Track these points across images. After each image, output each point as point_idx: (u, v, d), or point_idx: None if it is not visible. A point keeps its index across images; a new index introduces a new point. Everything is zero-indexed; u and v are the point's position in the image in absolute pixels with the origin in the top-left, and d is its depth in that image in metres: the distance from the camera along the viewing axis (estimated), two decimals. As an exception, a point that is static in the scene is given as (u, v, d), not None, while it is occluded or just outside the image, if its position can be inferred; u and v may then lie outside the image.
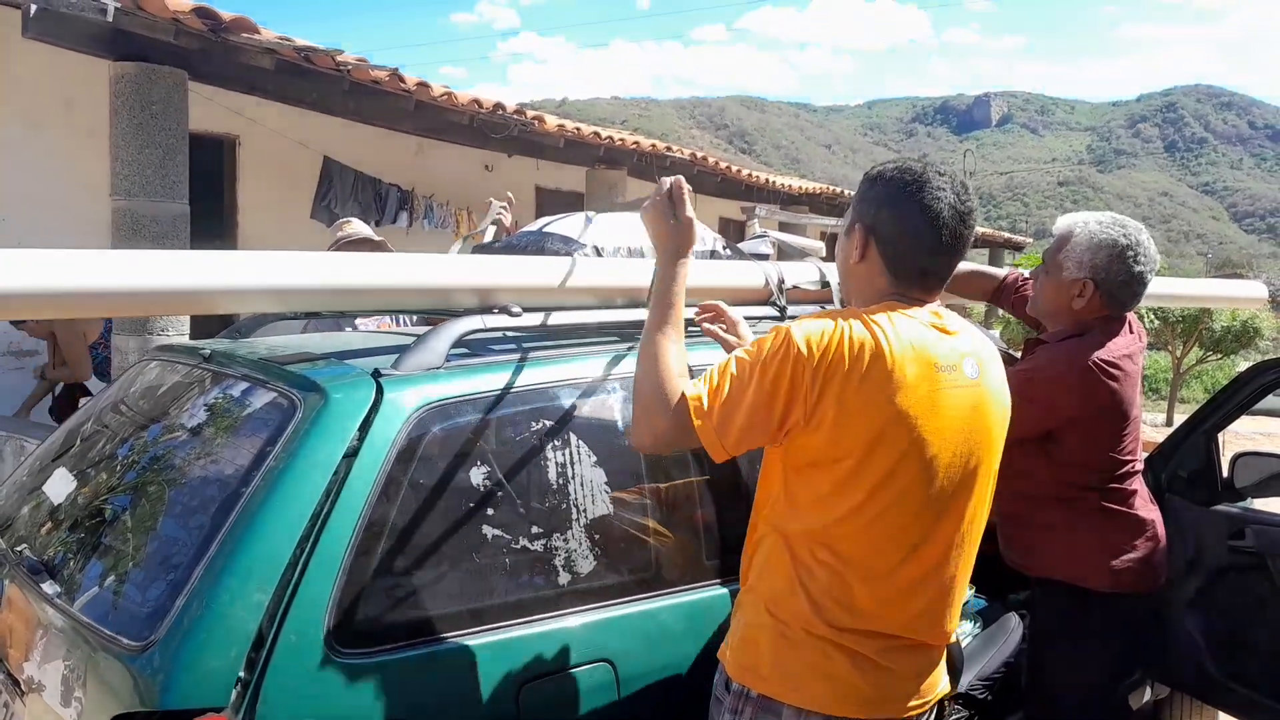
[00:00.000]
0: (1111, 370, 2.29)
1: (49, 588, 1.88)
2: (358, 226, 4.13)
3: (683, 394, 1.62)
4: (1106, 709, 2.47)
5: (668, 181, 1.79)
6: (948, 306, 1.79)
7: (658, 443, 1.67)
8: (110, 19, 4.41)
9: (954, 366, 1.64)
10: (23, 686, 1.89)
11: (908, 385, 1.58)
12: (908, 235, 1.67)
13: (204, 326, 5.08)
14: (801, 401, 1.57)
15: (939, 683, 1.75)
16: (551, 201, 9.89)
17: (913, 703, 1.68)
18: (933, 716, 1.77)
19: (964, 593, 1.75)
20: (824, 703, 1.62)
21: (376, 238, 4.07)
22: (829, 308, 2.63)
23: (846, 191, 13.80)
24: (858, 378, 1.56)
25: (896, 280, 1.70)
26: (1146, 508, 2.45)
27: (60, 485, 2.21)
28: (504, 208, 4.08)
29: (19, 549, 2.09)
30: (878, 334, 1.59)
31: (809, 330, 1.60)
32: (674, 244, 1.76)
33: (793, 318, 2.57)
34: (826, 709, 1.62)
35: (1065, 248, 2.36)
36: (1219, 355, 13.74)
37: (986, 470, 1.71)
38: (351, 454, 1.75)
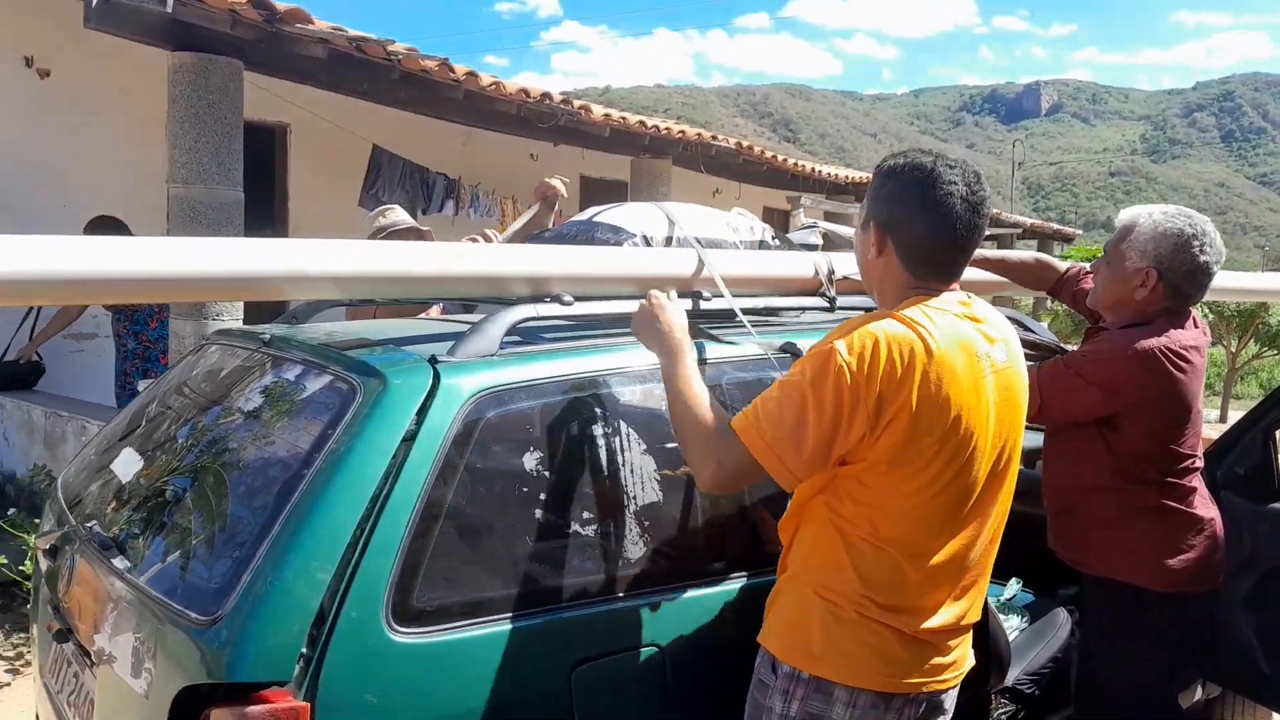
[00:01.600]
0: (1175, 359, 2.26)
1: (119, 563, 1.95)
2: (401, 215, 3.98)
3: (732, 426, 1.69)
4: (1158, 707, 2.45)
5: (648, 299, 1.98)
6: (997, 299, 1.82)
7: (725, 481, 1.74)
8: (169, 10, 4.50)
9: (988, 353, 1.71)
10: (93, 658, 1.96)
11: (959, 376, 1.65)
12: (923, 231, 1.72)
13: (256, 313, 5.18)
14: (863, 418, 1.61)
15: (968, 655, 1.85)
16: (597, 191, 9.92)
17: (950, 675, 1.78)
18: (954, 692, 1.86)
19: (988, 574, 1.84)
20: (876, 680, 1.70)
21: (422, 227, 3.96)
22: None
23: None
24: (914, 381, 1.61)
25: (915, 274, 1.75)
26: (1205, 506, 2.41)
27: (127, 464, 2.28)
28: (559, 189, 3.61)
29: (89, 525, 2.16)
30: (921, 332, 1.64)
31: (851, 345, 1.63)
32: (670, 342, 1.88)
33: (843, 308, 2.60)
34: (878, 685, 1.70)
35: (1128, 238, 2.34)
36: (1275, 351, 13.43)
37: (1015, 452, 1.80)
38: (409, 438, 1.79)
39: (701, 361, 2.11)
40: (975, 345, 1.69)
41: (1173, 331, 2.29)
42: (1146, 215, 2.34)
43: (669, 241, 2.65)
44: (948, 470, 1.67)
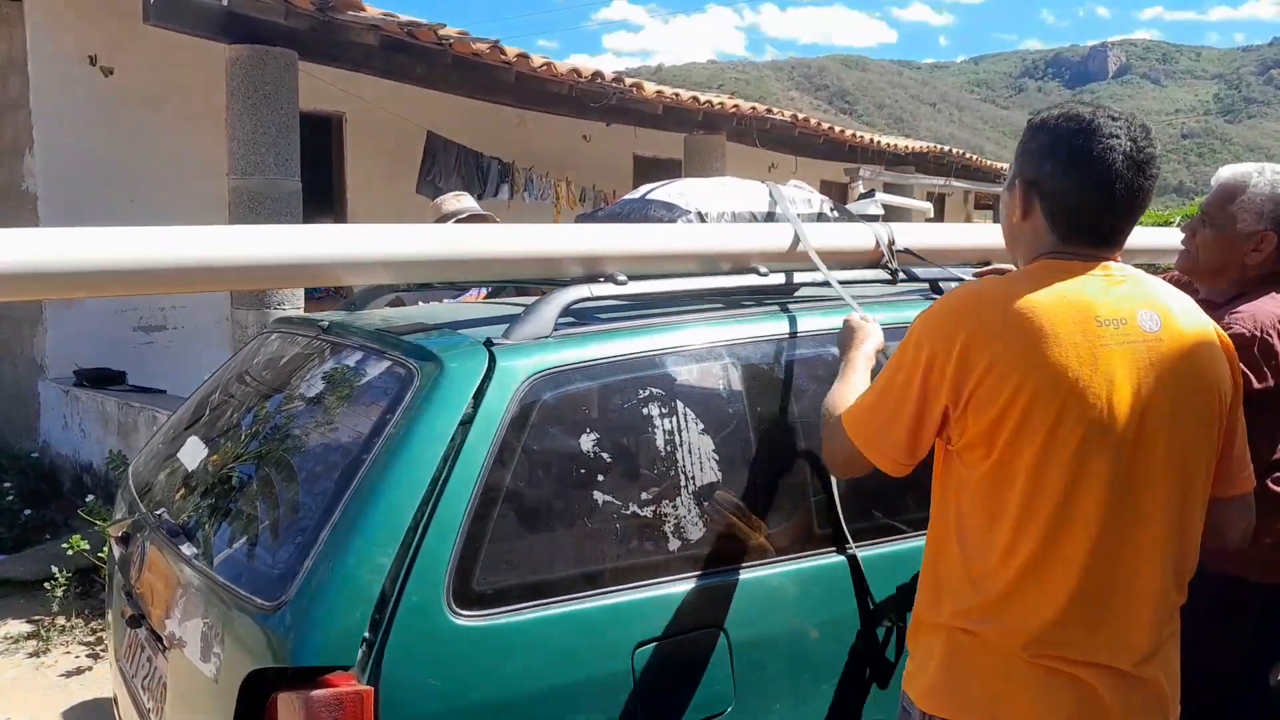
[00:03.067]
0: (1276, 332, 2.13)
1: (187, 549, 1.98)
2: (469, 202, 4.04)
3: (840, 414, 1.68)
4: (1249, 686, 2.34)
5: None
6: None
7: (839, 467, 1.75)
8: (225, 2, 4.56)
9: (1121, 320, 1.46)
10: (165, 642, 2.00)
11: (1060, 339, 1.43)
12: (1076, 192, 1.50)
13: (317, 302, 5.25)
14: (948, 385, 1.48)
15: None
16: (650, 169, 9.86)
17: None
18: None
19: (1171, 601, 1.56)
20: None
21: (494, 218, 3.97)
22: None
23: (954, 150, 13.36)
24: (1000, 336, 1.45)
25: (1063, 240, 1.54)
26: None
27: (193, 452, 2.32)
28: None
29: (158, 513, 2.21)
30: (1018, 288, 1.48)
31: (935, 308, 1.55)
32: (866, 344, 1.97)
33: (904, 280, 2.53)
34: None
35: (1239, 198, 2.20)
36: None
37: (1184, 442, 1.49)
38: (467, 421, 1.78)
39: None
40: (1093, 307, 1.46)
41: (1269, 302, 2.16)
42: (1259, 174, 2.19)
43: (724, 216, 2.61)
44: (1057, 448, 1.43)
